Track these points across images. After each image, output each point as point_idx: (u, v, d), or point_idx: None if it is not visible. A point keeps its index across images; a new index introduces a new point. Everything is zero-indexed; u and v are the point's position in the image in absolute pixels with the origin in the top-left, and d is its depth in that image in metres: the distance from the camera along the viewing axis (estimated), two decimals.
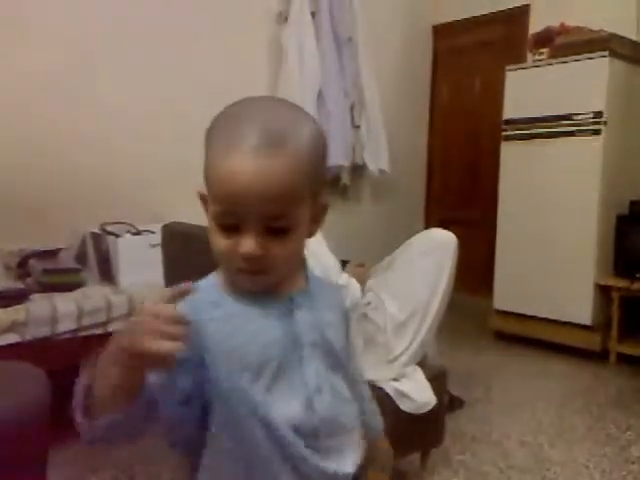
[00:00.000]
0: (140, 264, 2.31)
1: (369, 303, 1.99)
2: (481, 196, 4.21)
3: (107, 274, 2.43)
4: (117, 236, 2.40)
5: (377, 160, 3.91)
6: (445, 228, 2.13)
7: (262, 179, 0.70)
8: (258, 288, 0.76)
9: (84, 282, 2.33)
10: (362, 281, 1.98)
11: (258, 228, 0.71)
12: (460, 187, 4.46)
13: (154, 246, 2.20)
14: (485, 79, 4.26)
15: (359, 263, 2.15)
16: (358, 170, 3.92)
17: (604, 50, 3.13)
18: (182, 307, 0.71)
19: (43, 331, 2.00)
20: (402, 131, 4.27)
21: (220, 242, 0.73)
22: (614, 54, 3.15)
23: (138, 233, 2.46)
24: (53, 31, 2.67)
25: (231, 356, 0.72)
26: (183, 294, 0.66)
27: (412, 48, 4.40)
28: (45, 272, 2.23)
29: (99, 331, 2.13)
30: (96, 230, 2.53)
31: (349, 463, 0.80)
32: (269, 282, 0.77)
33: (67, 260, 2.48)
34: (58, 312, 2.03)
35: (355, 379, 0.89)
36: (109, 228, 2.49)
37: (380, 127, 3.90)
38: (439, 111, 4.57)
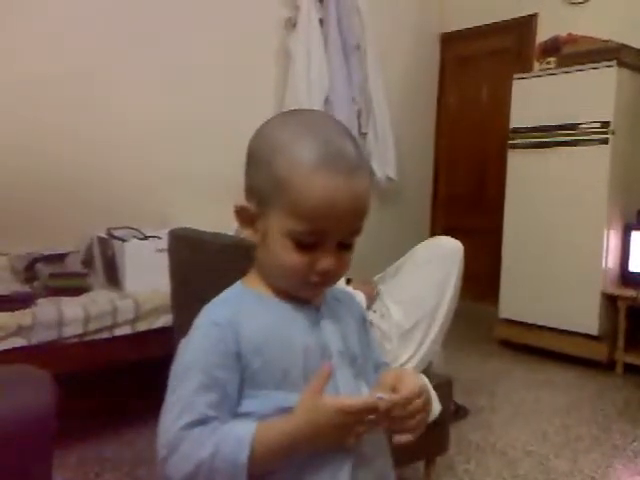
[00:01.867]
0: (146, 269, 2.32)
1: (375, 311, 1.99)
2: (487, 204, 4.21)
3: (113, 279, 2.44)
4: (124, 241, 2.41)
5: (384, 167, 3.91)
6: (451, 236, 2.13)
7: (356, 200, 0.72)
8: (315, 297, 0.80)
9: (90, 286, 2.33)
10: (370, 298, 1.98)
11: (335, 244, 0.74)
12: (466, 195, 4.46)
13: (160, 251, 2.20)
14: (492, 88, 4.26)
15: (365, 280, 2.14)
16: None
17: (612, 60, 3.13)
18: (224, 311, 0.76)
19: (49, 335, 2.01)
20: (409, 138, 4.27)
21: (294, 258, 0.73)
22: (622, 64, 3.14)
23: (145, 238, 2.47)
24: (55, 33, 2.69)
25: (265, 357, 0.74)
26: (327, 378, 0.71)
27: (419, 56, 4.42)
28: (52, 276, 2.24)
29: (105, 335, 2.14)
30: (103, 235, 2.54)
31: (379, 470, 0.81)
32: (324, 291, 0.81)
33: (74, 264, 2.49)
34: (64, 316, 2.04)
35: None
36: (116, 233, 2.50)
37: (387, 134, 3.91)
38: (446, 119, 4.58)
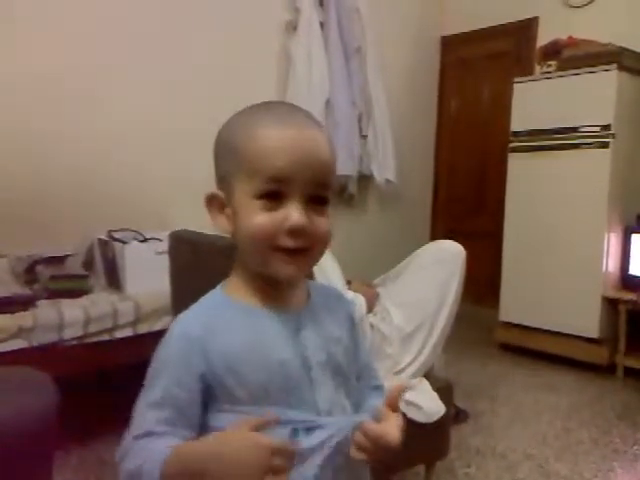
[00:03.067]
0: (147, 271, 2.32)
1: (375, 314, 1.98)
2: (488, 208, 4.21)
3: (114, 281, 2.44)
4: (124, 243, 2.41)
5: (384, 170, 3.91)
6: (451, 239, 2.13)
7: (314, 145, 0.72)
8: (294, 275, 0.74)
9: (91, 289, 2.33)
10: (371, 301, 1.97)
11: (303, 199, 0.71)
12: (467, 198, 4.46)
13: (161, 253, 2.20)
14: (493, 91, 4.27)
15: (366, 282, 2.14)
16: (365, 180, 3.93)
17: (612, 63, 3.13)
18: (196, 324, 0.74)
19: (50, 337, 2.00)
20: (409, 141, 4.28)
21: (260, 219, 0.70)
22: (622, 67, 3.15)
23: (145, 240, 2.47)
24: (55, 34, 2.69)
25: (239, 375, 0.72)
26: (268, 424, 0.66)
27: (420, 59, 4.42)
28: (52, 278, 2.24)
29: (105, 338, 2.14)
30: (103, 237, 2.54)
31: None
32: (304, 269, 0.76)
33: (74, 266, 2.49)
34: (65, 318, 2.04)
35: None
36: (116, 235, 2.50)
37: (387, 137, 3.91)
38: (447, 122, 4.58)
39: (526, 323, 3.49)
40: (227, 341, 0.72)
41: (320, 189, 0.73)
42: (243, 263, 0.77)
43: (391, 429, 0.73)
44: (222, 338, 0.72)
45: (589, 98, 3.21)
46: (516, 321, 3.54)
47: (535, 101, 3.44)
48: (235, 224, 0.74)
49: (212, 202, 0.77)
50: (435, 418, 1.86)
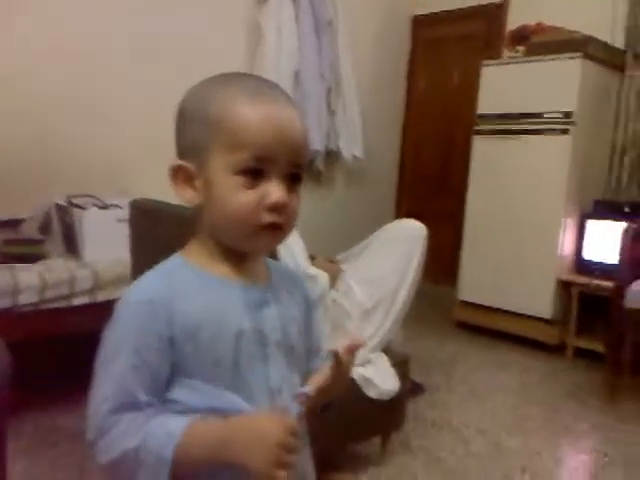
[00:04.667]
0: (106, 239, 2.26)
1: (338, 289, 2.00)
2: (451, 189, 4.25)
3: (72, 247, 2.37)
4: (83, 209, 2.35)
5: (351, 146, 3.91)
6: (414, 217, 2.15)
7: (292, 124, 0.73)
8: (269, 250, 0.76)
9: (47, 254, 2.27)
10: (333, 277, 1.98)
11: (282, 176, 0.72)
12: (432, 178, 4.50)
13: (121, 221, 2.15)
14: (462, 73, 4.29)
15: (329, 258, 2.14)
16: (332, 156, 3.92)
17: (578, 51, 3.18)
18: (158, 287, 0.72)
19: (4, 302, 1.95)
20: (377, 119, 4.27)
21: (242, 197, 0.70)
22: (587, 56, 3.20)
23: (105, 207, 2.41)
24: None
25: (198, 342, 0.70)
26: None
27: (391, 37, 4.40)
28: (6, 242, 2.17)
29: (62, 305, 2.09)
30: (62, 202, 2.46)
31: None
32: (277, 245, 0.78)
33: (30, 231, 2.42)
34: (20, 283, 1.98)
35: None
36: (75, 201, 2.43)
37: (356, 113, 3.90)
38: (415, 101, 4.59)
39: (483, 303, 3.57)
40: (188, 306, 0.70)
41: (296, 168, 0.73)
42: (208, 233, 0.76)
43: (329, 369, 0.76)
44: (183, 303, 0.70)
45: (554, 85, 3.26)
46: (474, 300, 3.62)
47: (501, 85, 3.47)
48: (208, 197, 0.72)
49: (178, 173, 0.74)
50: (389, 396, 1.90)
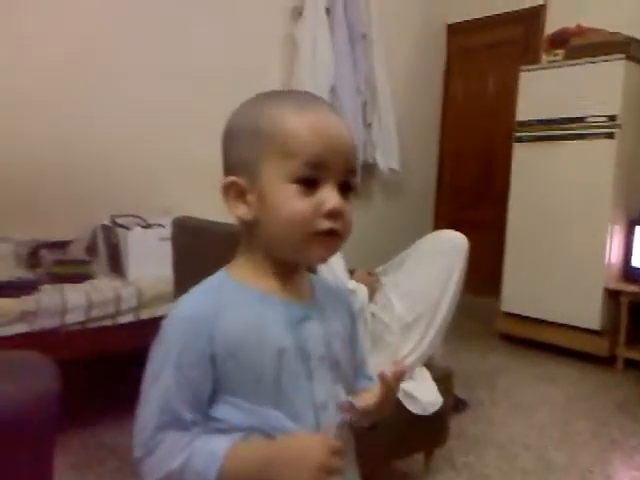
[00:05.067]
0: (149, 257, 2.32)
1: (377, 303, 1.99)
2: (492, 198, 4.19)
3: (117, 266, 2.45)
4: (127, 229, 2.42)
5: (388, 159, 3.90)
6: (454, 228, 2.12)
7: (341, 132, 0.74)
8: (325, 258, 0.75)
9: (94, 274, 2.34)
10: (372, 290, 1.97)
11: (336, 184, 0.72)
12: (471, 188, 4.44)
13: (164, 239, 2.20)
14: (499, 79, 4.24)
15: (368, 271, 2.14)
16: (369, 168, 3.92)
17: (620, 53, 3.10)
18: (202, 303, 0.73)
19: (52, 322, 2.02)
20: (414, 130, 4.25)
21: (299, 204, 0.70)
22: (630, 57, 3.12)
23: (148, 226, 2.47)
24: (57, 16, 2.67)
25: (239, 359, 0.71)
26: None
27: (426, 47, 4.38)
28: (55, 263, 2.25)
29: (107, 323, 2.15)
30: (107, 223, 2.54)
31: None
32: (333, 253, 0.76)
33: (77, 252, 2.50)
34: (67, 303, 2.05)
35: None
36: (119, 221, 2.50)
37: (392, 125, 3.89)
38: (452, 111, 4.55)
39: (527, 314, 3.49)
40: (231, 323, 0.71)
41: (349, 175, 0.74)
42: (259, 248, 0.76)
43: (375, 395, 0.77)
44: (227, 320, 0.71)
45: (596, 88, 3.18)
46: (517, 312, 3.54)
47: (541, 90, 3.41)
48: (262, 209, 0.73)
49: (230, 190, 0.75)
50: (432, 410, 1.87)
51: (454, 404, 2.39)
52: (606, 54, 3.15)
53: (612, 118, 3.13)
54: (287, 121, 0.71)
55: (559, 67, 3.39)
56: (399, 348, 1.92)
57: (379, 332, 1.94)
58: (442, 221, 4.40)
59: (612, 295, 3.20)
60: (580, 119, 3.25)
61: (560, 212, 3.36)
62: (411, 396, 1.85)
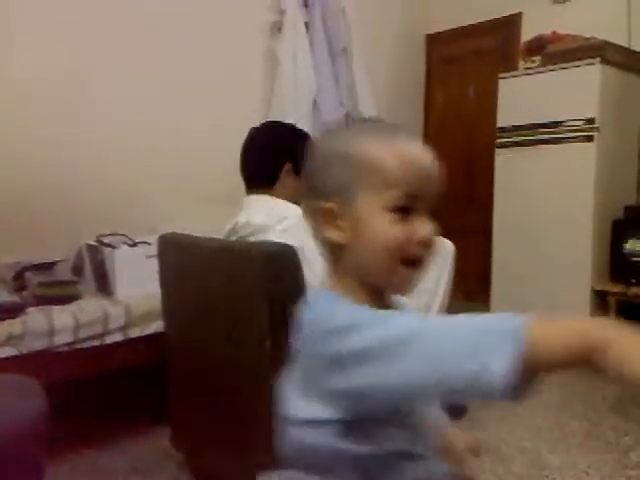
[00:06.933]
0: (136, 275, 2.31)
1: None
2: (476, 204, 4.23)
3: (103, 286, 2.43)
4: (113, 247, 2.40)
5: None
6: (441, 236, 2.13)
7: (435, 165, 0.78)
8: (413, 285, 0.78)
9: (81, 294, 2.32)
10: None
11: (427, 212, 0.77)
12: (455, 195, 4.45)
13: (150, 257, 2.20)
14: (479, 87, 4.29)
15: None
16: None
17: (596, 57, 3.16)
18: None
19: (40, 344, 1.99)
20: None
21: (395, 231, 0.74)
22: (605, 61, 3.17)
23: (134, 244, 2.46)
24: (46, 35, 2.68)
25: None
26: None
27: (406, 57, 4.44)
28: (41, 285, 2.23)
29: (96, 343, 2.13)
30: (92, 242, 2.53)
31: None
32: (419, 279, 0.79)
33: (63, 272, 2.48)
34: (55, 325, 2.03)
35: None
36: (105, 240, 2.49)
37: None
38: (433, 120, 4.60)
39: None
40: None
41: (435, 205, 0.79)
42: (351, 271, 0.78)
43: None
44: None
45: (573, 92, 3.24)
46: None
47: (520, 97, 3.46)
48: (355, 234, 0.76)
49: (326, 215, 0.77)
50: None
51: (450, 410, 2.38)
52: (581, 59, 3.21)
53: (590, 121, 3.18)
54: (384, 152, 0.75)
55: (536, 73, 3.44)
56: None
57: None
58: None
59: (599, 295, 3.23)
60: (559, 123, 3.29)
61: (544, 215, 3.39)
62: None
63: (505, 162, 3.56)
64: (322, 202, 0.77)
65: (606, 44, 3.22)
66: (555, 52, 3.39)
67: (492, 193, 3.64)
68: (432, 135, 4.60)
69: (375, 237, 0.74)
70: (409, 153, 0.76)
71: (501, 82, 3.55)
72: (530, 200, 3.45)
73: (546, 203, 3.38)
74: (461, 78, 4.42)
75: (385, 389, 0.67)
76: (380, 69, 4.16)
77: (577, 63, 3.23)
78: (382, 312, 0.73)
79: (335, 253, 0.79)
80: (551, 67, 3.36)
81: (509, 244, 3.56)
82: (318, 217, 0.78)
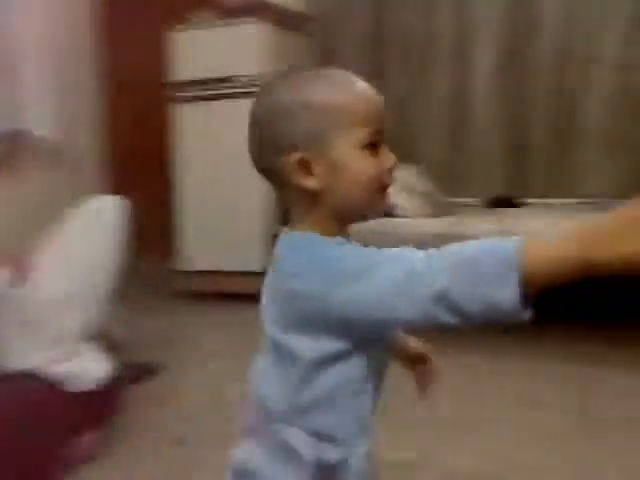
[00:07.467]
0: None
1: (26, 283, 1.82)
2: (155, 160, 4.17)
3: None
4: None
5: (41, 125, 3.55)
6: (122, 195, 2.06)
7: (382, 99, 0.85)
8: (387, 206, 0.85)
9: None
10: (21, 273, 1.81)
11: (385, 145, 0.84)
12: (133, 152, 4.36)
13: None
14: (147, 42, 4.17)
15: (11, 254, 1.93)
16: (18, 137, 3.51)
17: (254, 15, 3.37)
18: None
19: None
20: (71, 98, 3.93)
21: (370, 165, 0.81)
22: (265, 19, 3.40)
23: None
24: None
25: None
26: None
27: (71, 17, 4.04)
28: None
29: None
30: None
31: None
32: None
33: None
34: None
35: None
36: None
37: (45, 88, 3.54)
38: (112, 78, 4.33)
39: (202, 268, 3.67)
40: None
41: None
42: (320, 214, 0.83)
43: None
44: None
45: (237, 49, 3.41)
46: (194, 268, 3.69)
47: (191, 51, 3.51)
48: (333, 177, 0.80)
49: (300, 165, 0.80)
50: (97, 383, 1.81)
51: (139, 371, 2.35)
52: (244, 16, 3.39)
53: (252, 78, 3.38)
54: (356, 93, 0.81)
55: (206, 29, 3.52)
56: (61, 325, 1.81)
57: (35, 314, 1.78)
58: (107, 190, 4.22)
59: (273, 239, 3.52)
60: (227, 79, 3.46)
61: (225, 168, 3.54)
62: (75, 375, 1.76)
63: (182, 118, 3.60)
64: (286, 156, 0.81)
65: (266, 4, 3.45)
66: (223, 9, 3.52)
67: (173, 148, 3.66)
68: (108, 92, 4.34)
69: (356, 174, 0.80)
70: (365, 92, 0.82)
71: (172, 36, 3.55)
72: (211, 154, 3.55)
73: (226, 156, 3.45)
74: (132, 33, 4.24)
75: (411, 320, 0.73)
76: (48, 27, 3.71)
77: (239, 21, 3.41)
78: (392, 249, 0.77)
79: (308, 200, 0.83)
80: (218, 23, 3.47)
81: (194, 199, 3.65)
82: (284, 171, 0.82)
